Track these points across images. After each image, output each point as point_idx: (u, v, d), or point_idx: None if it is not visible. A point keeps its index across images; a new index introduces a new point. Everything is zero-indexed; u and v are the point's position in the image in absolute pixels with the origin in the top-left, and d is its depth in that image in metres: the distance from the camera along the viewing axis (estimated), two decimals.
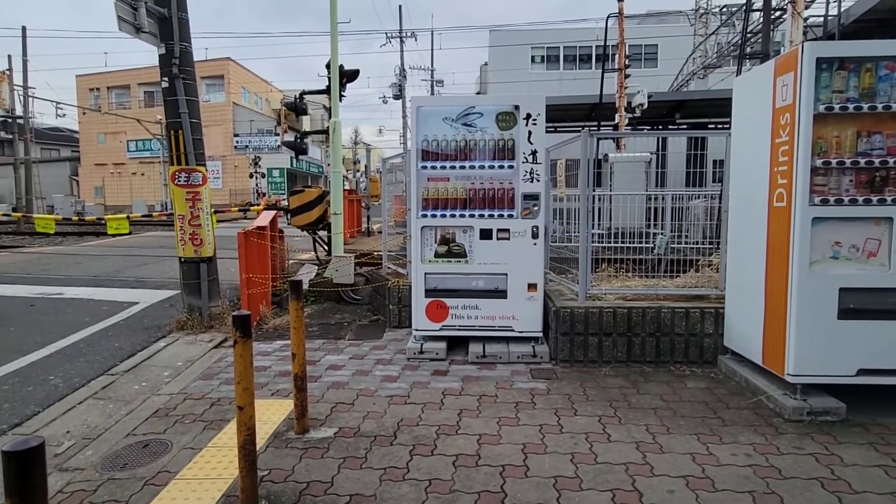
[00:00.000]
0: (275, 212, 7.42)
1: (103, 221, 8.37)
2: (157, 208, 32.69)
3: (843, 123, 3.46)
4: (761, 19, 14.60)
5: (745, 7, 15.31)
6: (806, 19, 13.21)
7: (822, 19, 13.20)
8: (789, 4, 13.04)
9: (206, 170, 5.98)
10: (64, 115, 37.57)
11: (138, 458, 3.13)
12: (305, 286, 7.33)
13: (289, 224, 8.19)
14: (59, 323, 6.41)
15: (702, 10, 23.27)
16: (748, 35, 15.43)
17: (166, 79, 5.72)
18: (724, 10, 21.11)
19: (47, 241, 15.94)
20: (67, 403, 4.05)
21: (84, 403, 4.05)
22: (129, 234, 14.39)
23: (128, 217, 8.78)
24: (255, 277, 6.07)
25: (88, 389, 4.33)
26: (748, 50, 15.53)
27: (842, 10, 12.42)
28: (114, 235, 12.17)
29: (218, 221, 6.67)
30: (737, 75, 7.25)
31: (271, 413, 3.68)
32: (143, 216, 14.30)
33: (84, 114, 38.15)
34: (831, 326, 3.49)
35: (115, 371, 4.76)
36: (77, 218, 19.24)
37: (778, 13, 14.49)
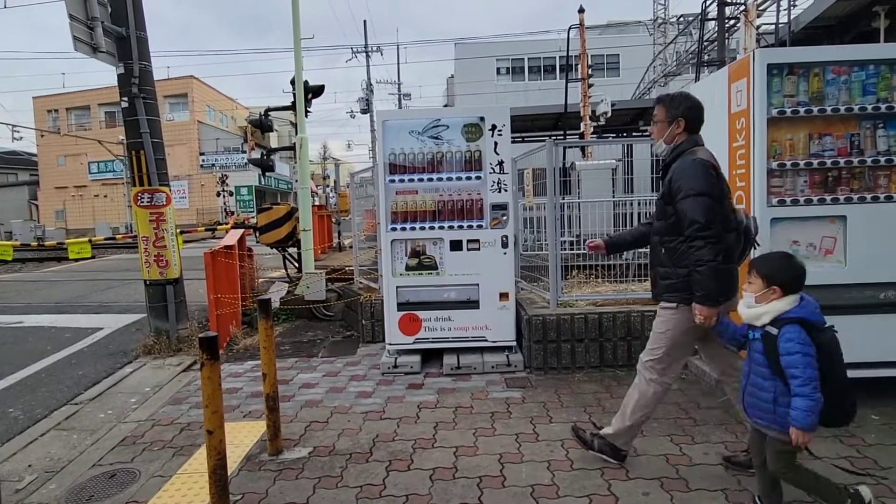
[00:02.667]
0: (243, 230, 7.31)
1: (64, 246, 8.12)
2: (122, 230, 31.78)
3: (796, 126, 3.59)
4: (717, 28, 15.12)
5: (700, 17, 15.84)
6: (758, 27, 13.73)
7: (773, 27, 13.72)
8: (742, 14, 13.55)
9: (171, 190, 5.87)
10: (21, 137, 36.59)
11: (105, 490, 3.02)
12: (276, 304, 7.23)
13: (258, 242, 8.08)
14: (19, 352, 6.18)
15: (660, 20, 23.94)
16: (705, 43, 15.96)
17: (126, 98, 5.61)
18: (681, 19, 21.77)
19: (5, 269, 15.36)
20: (29, 436, 3.89)
21: (46, 435, 3.90)
22: (92, 257, 13.97)
23: (90, 240, 8.54)
24: (223, 298, 5.95)
25: (51, 420, 4.17)
26: (705, 57, 16.06)
27: (792, 17, 12.95)
28: (76, 260, 11.82)
29: (185, 242, 6.54)
30: (695, 82, 7.46)
31: (243, 435, 3.60)
32: (106, 239, 13.91)
33: (42, 136, 37.08)
34: None
35: (80, 400, 4.60)
36: (36, 243, 18.60)
37: (732, 22, 15.03)
